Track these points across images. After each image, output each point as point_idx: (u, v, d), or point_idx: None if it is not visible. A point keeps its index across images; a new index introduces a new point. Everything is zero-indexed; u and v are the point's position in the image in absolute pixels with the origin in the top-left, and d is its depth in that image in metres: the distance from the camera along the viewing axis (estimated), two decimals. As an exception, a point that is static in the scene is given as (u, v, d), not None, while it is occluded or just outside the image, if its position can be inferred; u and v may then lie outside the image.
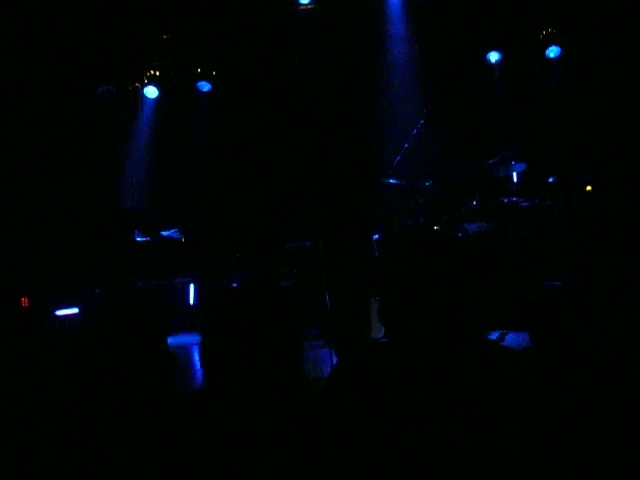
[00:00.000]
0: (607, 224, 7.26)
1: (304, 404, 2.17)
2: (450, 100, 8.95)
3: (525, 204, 7.87)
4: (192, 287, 8.66)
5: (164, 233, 8.62)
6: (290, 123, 8.97)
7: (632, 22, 8.21)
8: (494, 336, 5.90)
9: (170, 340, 2.36)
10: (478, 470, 1.99)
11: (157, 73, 9.36)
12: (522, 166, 8.17)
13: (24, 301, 5.85)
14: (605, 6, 8.31)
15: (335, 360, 5.42)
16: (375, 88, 9.09)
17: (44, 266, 6.65)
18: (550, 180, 7.92)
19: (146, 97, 9.53)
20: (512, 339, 5.88)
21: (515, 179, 8.32)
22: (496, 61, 9.17)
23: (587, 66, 8.53)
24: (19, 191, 7.75)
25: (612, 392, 2.57)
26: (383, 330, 2.27)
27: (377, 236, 7.34)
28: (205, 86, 9.60)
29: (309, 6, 8.92)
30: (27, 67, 8.15)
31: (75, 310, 6.36)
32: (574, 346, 2.82)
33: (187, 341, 6.73)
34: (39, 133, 8.32)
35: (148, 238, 8.37)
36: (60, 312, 6.08)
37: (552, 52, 8.87)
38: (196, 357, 6.22)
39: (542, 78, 9.05)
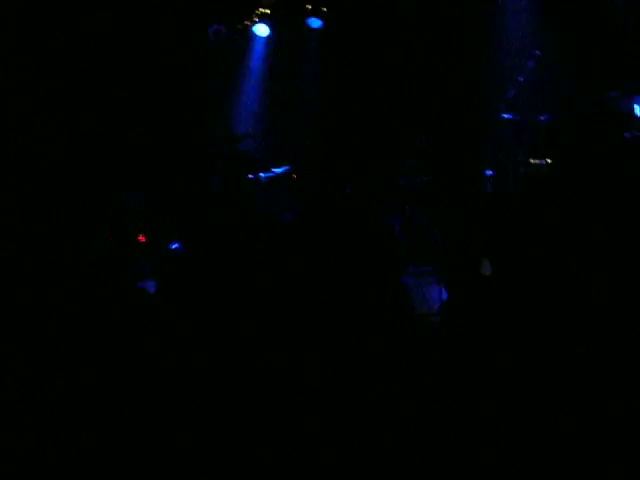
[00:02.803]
0: None
1: (413, 338, 2.21)
2: (567, 29, 8.56)
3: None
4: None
5: (276, 170, 8.72)
6: (401, 58, 8.85)
7: None
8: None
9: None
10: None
11: (267, 11, 9.38)
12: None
13: (141, 238, 6.31)
14: None
15: (445, 296, 5.43)
16: (488, 19, 8.80)
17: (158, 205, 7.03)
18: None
19: (256, 35, 9.58)
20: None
21: (638, 113, 7.93)
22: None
23: None
24: (135, 129, 8.06)
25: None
26: (491, 267, 2.27)
27: (490, 172, 7.22)
28: (315, 22, 9.54)
29: None
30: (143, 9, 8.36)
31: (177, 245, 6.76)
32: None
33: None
34: (155, 74, 8.56)
35: (261, 176, 8.51)
36: (173, 246, 6.48)
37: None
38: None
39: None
